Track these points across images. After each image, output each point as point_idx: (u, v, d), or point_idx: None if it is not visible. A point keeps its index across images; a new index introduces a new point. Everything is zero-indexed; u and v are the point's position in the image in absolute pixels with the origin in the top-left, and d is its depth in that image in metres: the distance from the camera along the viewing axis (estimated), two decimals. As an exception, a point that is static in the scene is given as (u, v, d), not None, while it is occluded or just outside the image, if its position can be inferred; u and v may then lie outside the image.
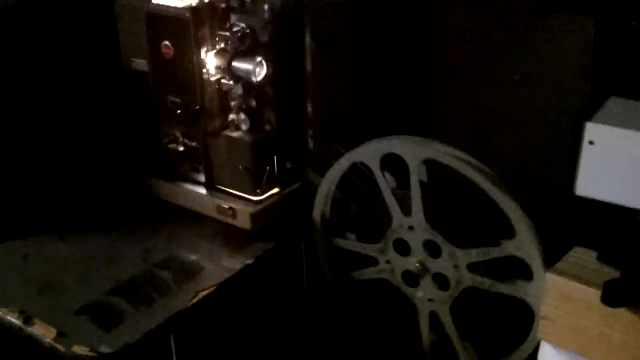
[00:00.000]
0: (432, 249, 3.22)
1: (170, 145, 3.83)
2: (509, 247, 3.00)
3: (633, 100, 2.87)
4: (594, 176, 2.74)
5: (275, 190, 3.74)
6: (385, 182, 3.27)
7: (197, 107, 3.65)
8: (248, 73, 3.49)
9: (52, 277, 3.36)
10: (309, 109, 3.64)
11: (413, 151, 3.13)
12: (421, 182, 3.18)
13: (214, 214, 3.66)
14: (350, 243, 3.50)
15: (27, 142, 3.75)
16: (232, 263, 3.44)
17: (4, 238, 3.58)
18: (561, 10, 3.69)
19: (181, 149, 3.81)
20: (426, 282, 3.29)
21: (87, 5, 3.94)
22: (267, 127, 3.66)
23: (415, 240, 3.25)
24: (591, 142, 2.70)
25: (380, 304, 3.61)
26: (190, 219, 3.73)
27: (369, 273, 3.50)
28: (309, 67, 3.58)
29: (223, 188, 3.76)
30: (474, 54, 3.95)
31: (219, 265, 3.42)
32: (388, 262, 3.38)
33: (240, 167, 3.64)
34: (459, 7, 3.91)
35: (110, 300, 3.21)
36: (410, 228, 3.25)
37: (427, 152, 3.11)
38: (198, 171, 3.81)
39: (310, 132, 3.68)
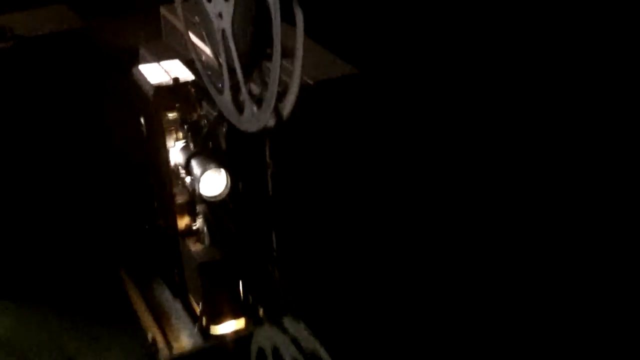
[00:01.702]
0: None
1: (149, 235, 3.21)
2: None
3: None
4: None
5: (238, 325, 2.95)
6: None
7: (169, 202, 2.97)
8: (195, 180, 2.71)
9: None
10: (273, 239, 2.76)
11: None
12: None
13: (148, 337, 2.99)
14: None
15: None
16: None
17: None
18: None
19: (158, 243, 3.17)
20: None
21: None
22: (233, 247, 2.86)
23: None
24: None
25: None
26: (138, 330, 3.09)
27: None
28: (270, 188, 2.68)
29: (192, 302, 3.08)
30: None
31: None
32: None
33: (194, 287, 2.92)
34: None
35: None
36: None
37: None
38: (174, 273, 3.15)
39: (275, 270, 2.80)
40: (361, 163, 2.76)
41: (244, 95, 2.17)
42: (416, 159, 3.31)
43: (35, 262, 3.40)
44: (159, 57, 3.02)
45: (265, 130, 2.16)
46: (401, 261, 3.07)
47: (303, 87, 2.44)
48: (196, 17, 2.46)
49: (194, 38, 2.76)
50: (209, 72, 2.44)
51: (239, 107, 2.24)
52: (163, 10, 3.19)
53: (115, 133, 3.46)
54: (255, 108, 2.13)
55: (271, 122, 2.10)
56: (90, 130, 3.54)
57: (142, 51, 3.19)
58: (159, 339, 2.88)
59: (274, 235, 2.75)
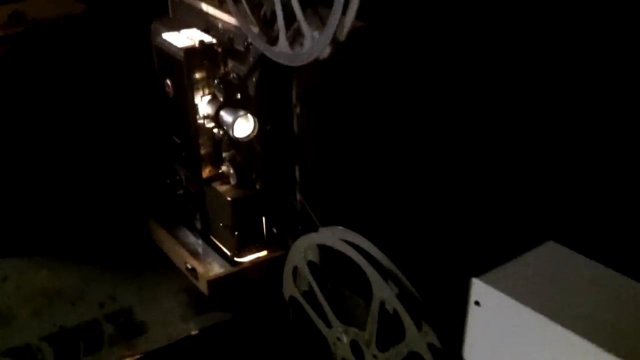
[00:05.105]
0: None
1: (173, 187, 3.63)
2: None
3: (570, 251, 2.19)
4: (480, 343, 2.13)
5: (262, 254, 3.41)
6: (316, 285, 2.82)
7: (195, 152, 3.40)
8: (228, 126, 3.17)
9: (10, 309, 3.34)
10: (297, 172, 3.24)
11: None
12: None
13: (183, 270, 3.42)
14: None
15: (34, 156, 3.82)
16: (178, 329, 3.19)
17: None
18: None
19: (181, 192, 3.60)
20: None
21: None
22: (257, 185, 3.32)
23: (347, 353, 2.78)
24: (477, 303, 2.10)
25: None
26: (171, 268, 3.51)
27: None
28: (295, 127, 3.17)
29: (215, 241, 3.51)
30: None
31: (163, 330, 3.19)
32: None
33: (221, 224, 3.35)
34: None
35: (40, 346, 3.12)
36: (338, 339, 2.79)
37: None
38: (196, 218, 3.58)
39: (298, 197, 3.27)
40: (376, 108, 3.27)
41: (302, 25, 2.60)
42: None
43: (65, 216, 3.76)
44: (172, 29, 3.44)
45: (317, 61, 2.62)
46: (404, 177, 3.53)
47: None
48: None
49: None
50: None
51: (294, 43, 2.70)
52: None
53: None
54: (316, 34, 2.57)
55: (326, 52, 2.58)
56: (110, 102, 3.94)
57: (155, 25, 3.56)
58: (198, 266, 3.30)
59: (297, 170, 3.22)
